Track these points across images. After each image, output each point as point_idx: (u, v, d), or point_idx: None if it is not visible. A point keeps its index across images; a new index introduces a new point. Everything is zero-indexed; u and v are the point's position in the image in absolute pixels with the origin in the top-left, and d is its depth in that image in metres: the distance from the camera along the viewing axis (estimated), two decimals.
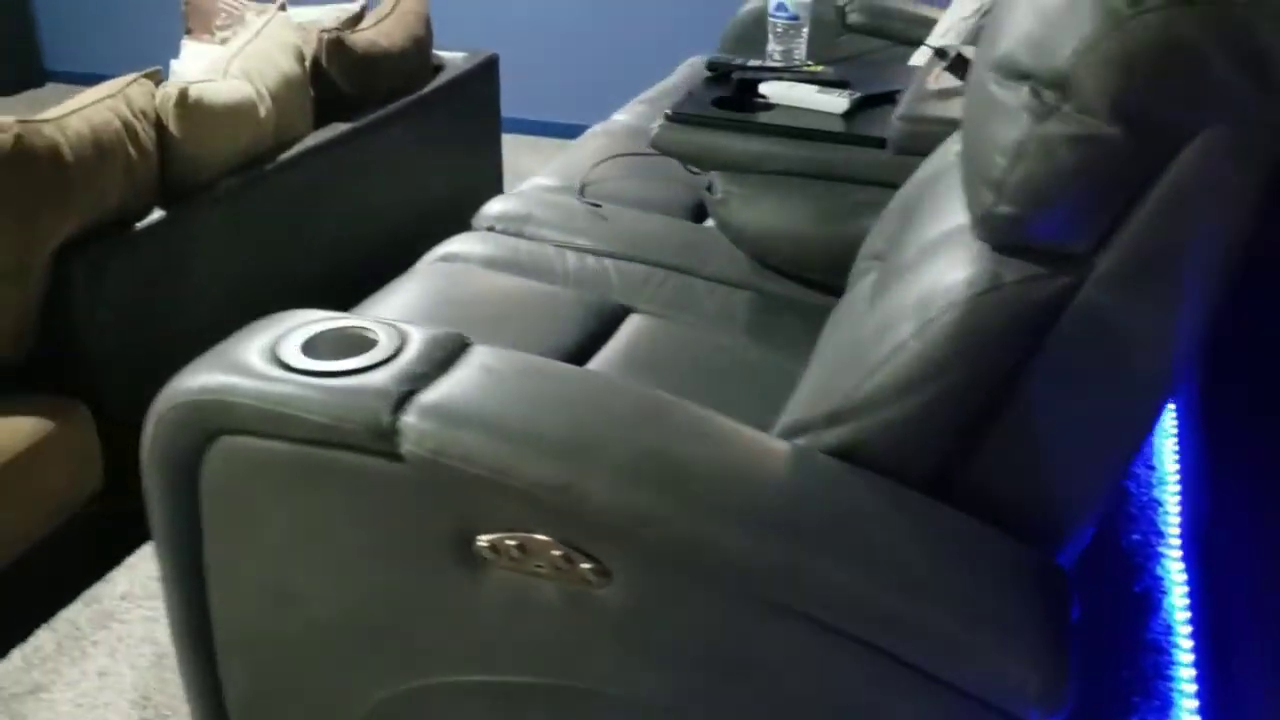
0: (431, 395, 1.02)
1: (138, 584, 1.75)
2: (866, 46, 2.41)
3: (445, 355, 1.08)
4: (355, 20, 2.89)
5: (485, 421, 1.00)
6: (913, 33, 2.49)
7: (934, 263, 1.02)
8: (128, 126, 1.94)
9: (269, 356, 1.07)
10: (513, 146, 4.02)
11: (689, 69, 2.64)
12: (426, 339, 1.09)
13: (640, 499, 0.97)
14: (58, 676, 1.56)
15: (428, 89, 2.76)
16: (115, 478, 1.94)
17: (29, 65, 5.17)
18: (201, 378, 1.07)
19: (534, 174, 4.02)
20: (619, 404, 1.07)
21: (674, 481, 0.98)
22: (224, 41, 3.05)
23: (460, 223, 3.00)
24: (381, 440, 1.01)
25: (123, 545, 1.83)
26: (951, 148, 1.33)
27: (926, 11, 2.54)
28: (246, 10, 3.07)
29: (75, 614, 1.68)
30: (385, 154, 2.61)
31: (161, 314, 2.02)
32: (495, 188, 3.15)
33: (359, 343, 1.10)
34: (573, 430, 1.02)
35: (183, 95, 2.04)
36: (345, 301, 2.71)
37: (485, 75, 2.98)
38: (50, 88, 5.22)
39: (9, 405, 1.81)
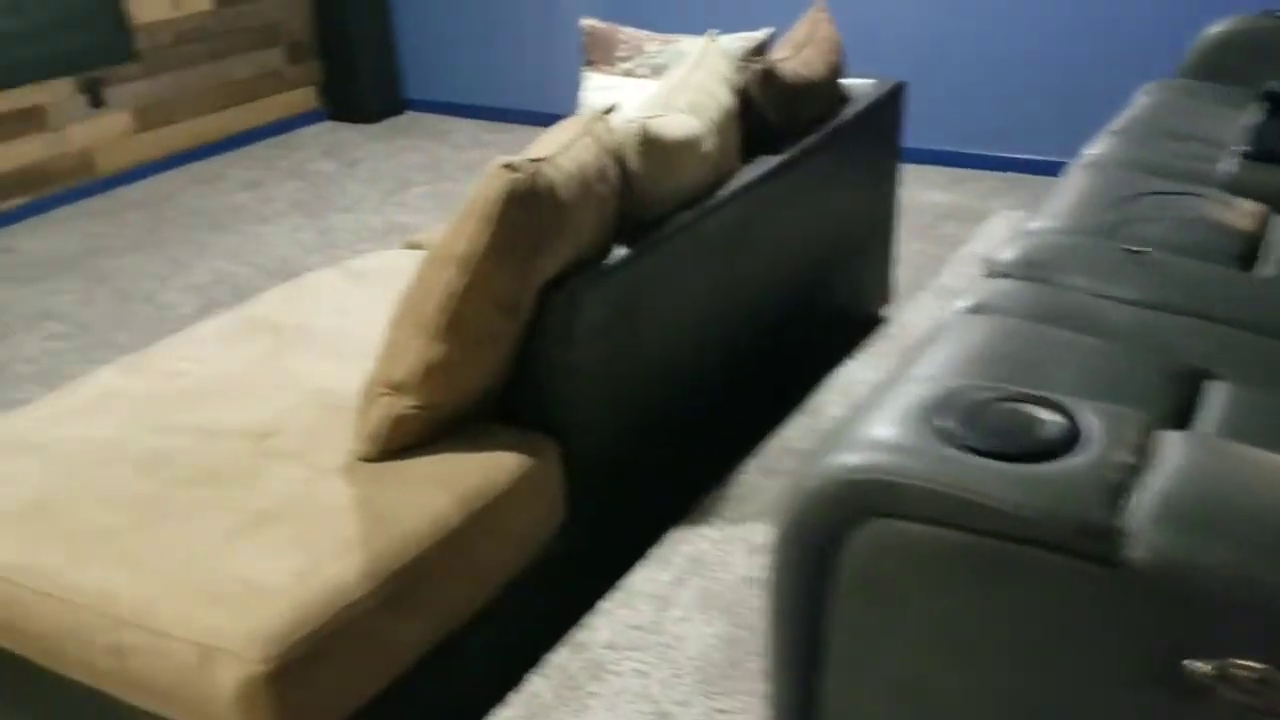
0: (1152, 492, 0.88)
1: (619, 633, 1.72)
2: None
3: (1138, 440, 0.94)
4: (761, 48, 2.84)
5: (1228, 527, 0.85)
6: None
7: None
8: (598, 164, 1.93)
9: (934, 434, 0.97)
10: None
11: (1148, 97, 2.41)
12: (1106, 418, 0.96)
13: None
14: None
15: (842, 119, 2.66)
16: (574, 513, 1.94)
17: (391, 94, 5.50)
18: (859, 455, 0.97)
19: (926, 205, 3.87)
20: None
21: None
22: (626, 73, 3.07)
23: (860, 255, 2.90)
24: (1093, 541, 0.88)
25: (593, 587, 1.81)
26: None
27: None
28: (646, 41, 3.08)
29: (565, 661, 1.67)
30: (804, 186, 2.53)
31: (621, 350, 2.00)
32: (888, 220, 3.02)
33: (1023, 420, 0.98)
34: None
35: (644, 132, 2.02)
36: (789, 339, 2.66)
37: (892, 104, 2.85)
38: (408, 116, 5.54)
39: (490, 439, 1.83)
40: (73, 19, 4.32)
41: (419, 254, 2.63)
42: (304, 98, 5.43)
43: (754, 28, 4.50)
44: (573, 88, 5.14)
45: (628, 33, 3.11)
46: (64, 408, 1.97)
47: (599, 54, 3.11)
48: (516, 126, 5.29)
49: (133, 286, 3.62)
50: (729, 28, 4.54)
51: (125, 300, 3.51)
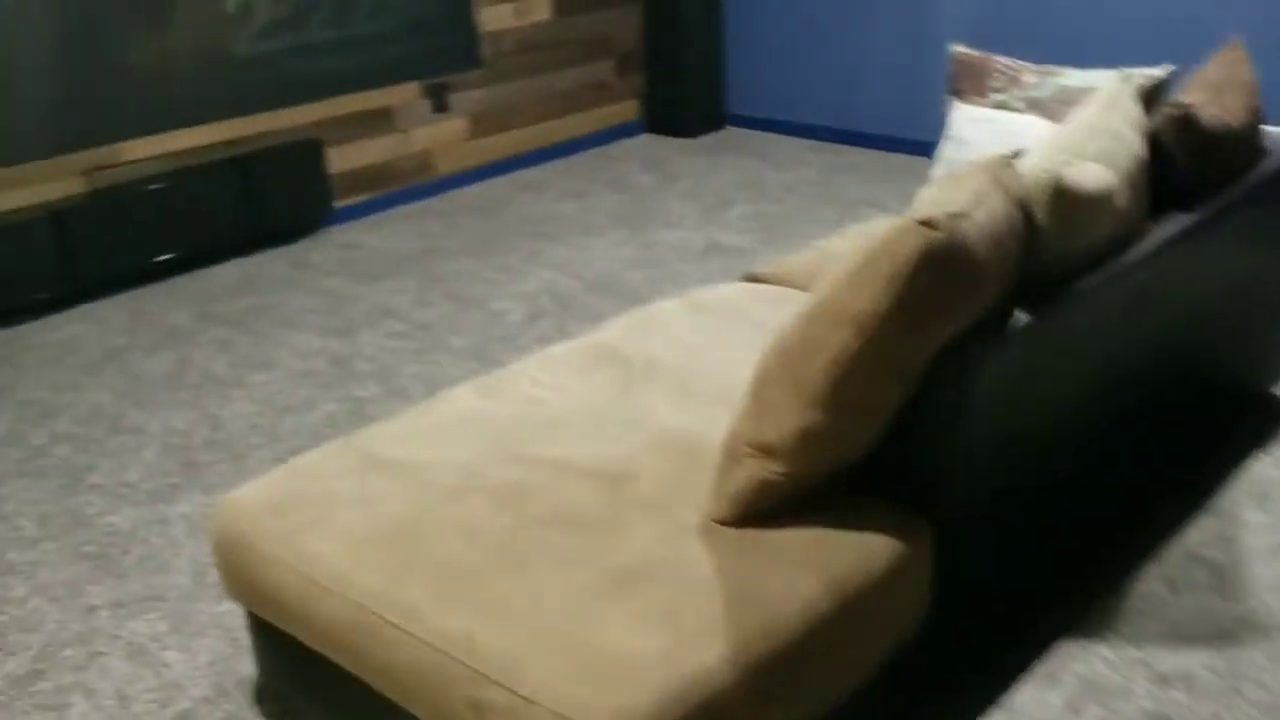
0: None
1: None
2: None
3: None
4: (1160, 87, 2.52)
5: None
6: None
7: None
8: (1007, 217, 1.72)
9: None
10: None
11: None
12: None
13: None
14: None
15: (1262, 172, 2.31)
16: (940, 605, 1.74)
17: (712, 108, 5.44)
18: None
19: None
20: None
21: None
22: (999, 105, 2.83)
23: (1257, 325, 2.53)
24: None
25: (960, 696, 1.60)
26: None
27: None
28: (1023, 71, 2.82)
29: None
30: (1217, 247, 2.21)
31: (1005, 427, 1.78)
32: None
33: None
34: None
35: (1057, 184, 1.79)
36: (1181, 420, 2.34)
37: None
38: (727, 131, 5.47)
39: (859, 515, 1.66)
40: (429, 25, 4.50)
41: (761, 289, 2.51)
42: (625, 110, 5.46)
43: (1134, 61, 4.11)
44: (898, 109, 4.90)
45: (1003, 62, 2.86)
46: (421, 426, 1.96)
47: (969, 83, 2.88)
48: (837, 146, 5.11)
49: (465, 290, 3.71)
50: (1104, 62, 4.17)
51: (458, 303, 3.60)
